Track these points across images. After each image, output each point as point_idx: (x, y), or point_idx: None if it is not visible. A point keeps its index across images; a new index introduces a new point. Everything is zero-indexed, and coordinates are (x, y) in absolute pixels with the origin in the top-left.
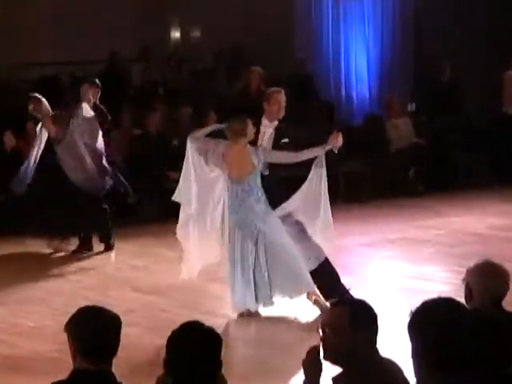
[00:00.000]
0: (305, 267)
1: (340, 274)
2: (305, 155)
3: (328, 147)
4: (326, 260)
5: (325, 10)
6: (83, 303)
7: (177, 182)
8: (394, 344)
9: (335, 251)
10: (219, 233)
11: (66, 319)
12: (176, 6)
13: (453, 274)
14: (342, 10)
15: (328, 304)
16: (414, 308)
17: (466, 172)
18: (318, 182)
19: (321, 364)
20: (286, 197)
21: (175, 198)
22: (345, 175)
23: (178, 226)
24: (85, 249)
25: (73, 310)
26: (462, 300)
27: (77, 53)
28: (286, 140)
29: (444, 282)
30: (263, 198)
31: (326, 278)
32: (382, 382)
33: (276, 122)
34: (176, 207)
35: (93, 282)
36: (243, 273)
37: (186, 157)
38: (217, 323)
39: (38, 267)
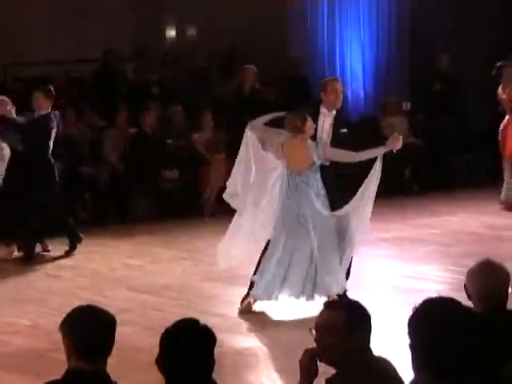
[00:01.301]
0: (343, 270)
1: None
2: (364, 156)
3: (388, 149)
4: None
5: (320, 9)
6: (78, 303)
7: (171, 181)
8: (389, 342)
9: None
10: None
11: (60, 319)
12: (172, 4)
13: (448, 273)
14: (337, 10)
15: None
16: (414, 306)
17: (461, 172)
18: (375, 180)
19: (316, 365)
20: (342, 195)
21: (228, 184)
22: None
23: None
24: (76, 243)
25: (67, 310)
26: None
27: (72, 52)
28: (344, 130)
29: (439, 281)
30: (323, 192)
31: None
32: (376, 381)
33: (334, 112)
34: (170, 206)
35: (87, 282)
36: (277, 265)
37: (242, 145)
38: (211, 322)
39: (33, 267)
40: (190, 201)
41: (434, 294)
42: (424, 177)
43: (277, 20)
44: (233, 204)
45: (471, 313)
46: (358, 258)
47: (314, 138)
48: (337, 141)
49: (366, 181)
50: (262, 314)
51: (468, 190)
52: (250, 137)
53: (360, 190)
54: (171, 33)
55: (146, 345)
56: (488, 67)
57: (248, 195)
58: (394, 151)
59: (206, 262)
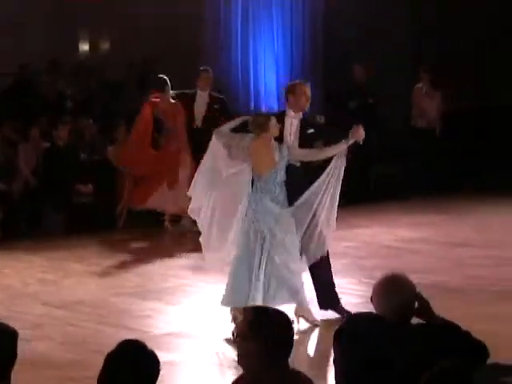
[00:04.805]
0: (302, 283)
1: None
2: (328, 152)
3: (351, 141)
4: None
5: (233, 23)
6: None
7: (85, 194)
8: (305, 354)
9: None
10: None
11: None
12: (86, 18)
13: (362, 286)
14: (251, 24)
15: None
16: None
17: (377, 184)
18: (337, 173)
19: None
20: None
21: (189, 192)
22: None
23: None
24: None
25: None
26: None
27: None
28: (311, 130)
29: (353, 294)
30: (282, 195)
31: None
32: None
33: (301, 114)
34: (83, 220)
35: (0, 297)
36: (247, 270)
37: (208, 151)
38: (125, 337)
39: None
40: (103, 214)
41: (347, 307)
42: (341, 189)
43: (191, 33)
44: (199, 221)
45: (391, 326)
46: None
47: (280, 140)
48: (305, 141)
49: (322, 178)
50: (177, 328)
51: (384, 202)
52: (216, 144)
53: (316, 185)
54: (84, 46)
55: (61, 360)
56: (403, 77)
57: (214, 208)
58: (361, 143)
59: (118, 277)
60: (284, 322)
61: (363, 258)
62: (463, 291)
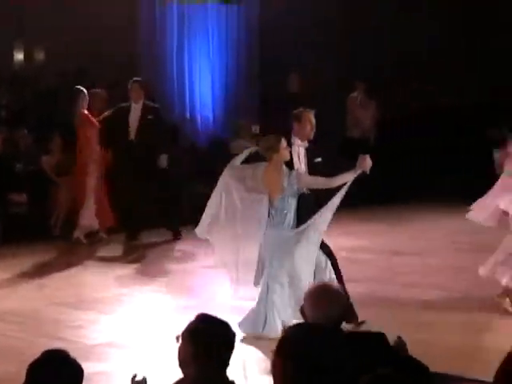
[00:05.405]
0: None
1: (186, 296)
2: (337, 181)
3: (359, 171)
4: None
5: (169, 32)
6: None
7: (18, 204)
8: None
9: None
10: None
11: None
12: (21, 27)
13: None
14: (186, 33)
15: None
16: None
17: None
18: (338, 198)
19: None
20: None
21: (200, 234)
22: (189, 196)
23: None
24: None
25: None
26: None
27: None
28: (319, 159)
29: None
30: (289, 222)
31: None
32: None
33: (306, 143)
34: (18, 229)
35: None
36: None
37: (218, 188)
38: (55, 346)
39: None
40: (37, 224)
41: None
42: None
43: (127, 42)
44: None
45: (328, 333)
46: (207, 280)
47: (290, 167)
48: (313, 169)
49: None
50: (109, 338)
51: None
52: (227, 179)
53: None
54: (19, 56)
55: None
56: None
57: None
58: (367, 172)
59: (50, 287)
60: (224, 332)
61: None
62: (397, 300)
